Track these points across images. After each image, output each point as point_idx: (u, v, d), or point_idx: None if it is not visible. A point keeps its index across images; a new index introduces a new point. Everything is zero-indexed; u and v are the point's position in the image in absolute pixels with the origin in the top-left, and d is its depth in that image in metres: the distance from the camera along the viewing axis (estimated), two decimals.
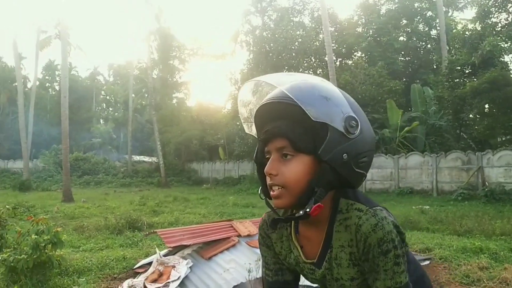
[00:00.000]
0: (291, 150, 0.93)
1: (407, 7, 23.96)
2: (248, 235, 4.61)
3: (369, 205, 0.94)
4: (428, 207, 11.68)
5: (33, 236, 4.25)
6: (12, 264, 4.18)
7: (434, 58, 22.42)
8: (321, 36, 24.12)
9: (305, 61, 21.06)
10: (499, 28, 12.14)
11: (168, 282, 4.10)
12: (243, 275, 3.91)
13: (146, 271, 5.01)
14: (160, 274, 4.44)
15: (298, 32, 22.73)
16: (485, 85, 12.76)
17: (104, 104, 52.93)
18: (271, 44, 19.55)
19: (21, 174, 25.88)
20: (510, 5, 11.51)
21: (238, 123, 22.52)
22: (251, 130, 1.08)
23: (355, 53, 24.39)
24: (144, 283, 4.11)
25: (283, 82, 0.95)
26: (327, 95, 0.92)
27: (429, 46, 23.55)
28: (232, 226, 4.86)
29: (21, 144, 23.95)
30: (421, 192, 15.70)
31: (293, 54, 20.94)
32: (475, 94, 13.05)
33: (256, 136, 1.05)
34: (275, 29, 20.99)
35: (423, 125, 17.62)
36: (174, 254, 4.87)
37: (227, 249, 4.39)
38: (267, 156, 0.98)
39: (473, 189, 13.97)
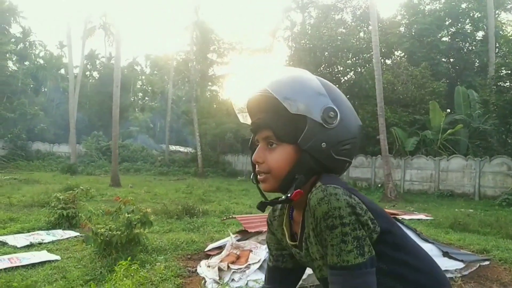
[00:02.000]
0: (275, 140, 1.00)
1: (453, 7, 23.49)
2: None
3: (325, 182, 0.95)
4: (471, 210, 11.66)
5: (126, 215, 4.68)
6: (107, 238, 4.63)
7: (480, 60, 21.94)
8: (361, 34, 24.07)
9: (347, 59, 21.03)
10: None
11: (250, 264, 4.44)
12: None
13: (218, 253, 5.40)
14: (238, 257, 4.79)
15: (339, 30, 22.71)
16: None
17: (141, 94, 54.29)
18: (315, 41, 19.65)
19: (66, 158, 27.08)
20: None
21: None
22: (246, 120, 1.13)
23: (395, 52, 24.16)
24: (227, 264, 4.46)
25: (270, 77, 1.03)
26: (305, 88, 0.99)
27: (474, 48, 23.03)
28: None
29: (70, 129, 24.99)
30: (462, 195, 15.56)
31: (335, 51, 20.94)
32: None
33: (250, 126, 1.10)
34: (319, 26, 21.06)
35: (466, 128, 17.37)
36: (246, 240, 5.23)
37: None
38: (257, 144, 1.05)
39: None
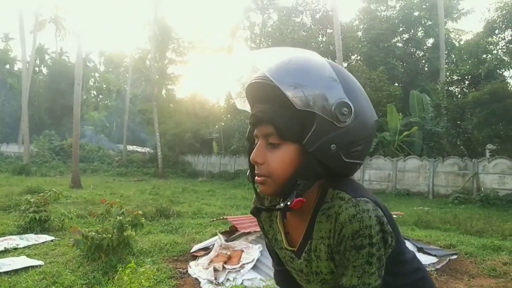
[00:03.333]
0: (277, 138, 0.87)
1: (406, 14, 24.70)
2: None
3: (354, 195, 0.87)
4: (428, 208, 12.37)
5: (118, 217, 4.63)
6: (98, 242, 4.56)
7: (431, 65, 23.25)
8: (320, 38, 24.76)
9: None
10: (504, 44, 12.96)
11: (244, 264, 4.55)
12: None
13: (205, 254, 5.46)
14: (229, 257, 4.88)
15: (301, 33, 23.22)
16: (486, 96, 13.54)
17: (94, 92, 52.50)
18: (277, 43, 19.98)
19: (16, 158, 25.71)
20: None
21: (237, 118, 22.96)
22: (244, 105, 0.99)
23: (351, 56, 25.06)
24: (222, 264, 4.54)
25: (269, 60, 0.88)
26: (315, 77, 0.85)
27: (426, 54, 24.38)
28: None
29: (22, 128, 23.77)
30: (418, 194, 16.45)
31: None
32: (476, 104, 13.82)
33: (250, 112, 0.97)
34: (282, 28, 21.44)
35: (420, 131, 18.36)
36: (235, 240, 5.32)
37: None
38: (256, 141, 0.93)
39: (468, 194, 14.77)
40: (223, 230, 5.74)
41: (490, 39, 13.38)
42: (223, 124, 29.26)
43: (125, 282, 3.69)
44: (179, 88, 35.56)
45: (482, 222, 8.54)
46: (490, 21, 12.99)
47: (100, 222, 4.93)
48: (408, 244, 5.68)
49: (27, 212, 6.70)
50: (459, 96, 15.44)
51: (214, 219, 6.75)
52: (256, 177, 0.91)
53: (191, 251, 5.73)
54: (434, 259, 5.46)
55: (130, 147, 34.00)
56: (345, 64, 24.27)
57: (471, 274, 5.44)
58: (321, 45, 21.29)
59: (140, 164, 28.93)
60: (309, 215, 0.94)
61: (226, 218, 5.40)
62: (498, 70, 15.03)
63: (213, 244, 5.67)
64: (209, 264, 4.98)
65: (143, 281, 3.62)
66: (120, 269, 3.72)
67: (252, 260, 4.57)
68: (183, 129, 29.85)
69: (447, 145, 17.55)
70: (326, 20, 26.41)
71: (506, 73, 14.64)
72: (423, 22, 24.52)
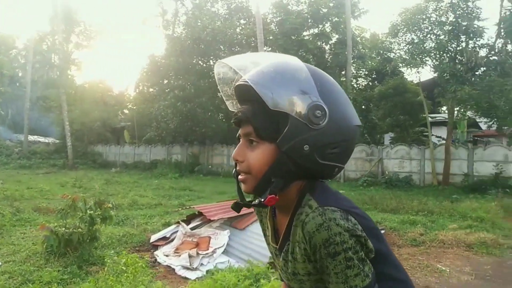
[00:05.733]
0: (255, 137, 0.91)
1: (315, 10, 26.20)
2: None
3: (323, 203, 0.88)
4: (343, 191, 13.69)
5: (88, 212, 4.62)
6: (67, 237, 4.52)
7: (338, 60, 25.10)
8: (239, 30, 25.19)
9: (222, 52, 21.78)
10: (405, 45, 14.75)
11: (216, 249, 4.87)
12: None
13: (167, 243, 5.66)
14: (197, 244, 5.16)
15: (217, 23, 23.41)
16: (390, 90, 15.29)
17: None
18: (193, 32, 19.91)
19: None
20: (415, 27, 14.12)
21: (154, 107, 22.48)
22: (236, 107, 1.02)
23: (264, 48, 26.00)
24: (196, 250, 4.81)
25: (247, 65, 0.93)
26: (289, 79, 0.88)
27: (334, 49, 26.23)
28: None
29: None
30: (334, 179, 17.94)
31: (212, 43, 21.49)
32: (382, 97, 15.52)
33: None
34: (200, 16, 21.37)
35: None
36: (199, 228, 5.60)
37: (255, 221, 5.30)
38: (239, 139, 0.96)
39: (374, 177, 16.59)
40: (182, 219, 5.95)
41: (394, 39, 15.09)
42: (135, 111, 28.30)
43: (108, 274, 3.80)
44: (86, 74, 33.48)
45: (395, 201, 9.83)
46: (394, 24, 14.61)
47: (62, 217, 4.82)
48: None
49: None
50: (367, 89, 17.10)
51: (179, 208, 6.88)
52: (239, 176, 0.95)
53: (151, 241, 5.86)
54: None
55: (31, 138, 31.18)
56: None
57: (398, 245, 6.42)
58: (239, 36, 21.74)
59: (45, 156, 26.81)
60: (289, 215, 0.96)
61: (193, 207, 5.63)
62: (399, 68, 17.00)
63: (172, 233, 5.89)
64: (175, 252, 5.21)
65: (126, 273, 3.75)
66: (108, 260, 3.81)
67: (223, 245, 4.92)
68: (91, 117, 28.36)
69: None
70: (241, 11, 26.92)
71: (406, 71, 16.60)
72: (330, 19, 26.26)
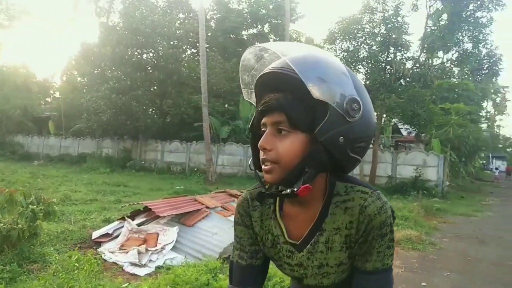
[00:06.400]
0: (287, 126, 0.89)
1: (255, 10, 26.55)
2: (215, 207, 5.65)
3: (372, 189, 0.96)
4: None
5: (30, 207, 4.38)
6: (5, 233, 4.25)
7: None
8: (178, 24, 24.71)
9: (160, 45, 21.22)
10: (340, 51, 15.57)
11: (165, 245, 4.86)
12: (228, 238, 5.00)
13: (111, 240, 5.53)
14: (144, 240, 5.11)
15: (157, 16, 22.81)
16: None
17: None
18: (130, 23, 19.19)
19: None
20: (351, 36, 14.98)
21: (85, 98, 21.35)
22: (251, 97, 1.03)
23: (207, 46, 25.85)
24: (146, 246, 4.75)
25: (288, 52, 0.92)
26: (332, 73, 0.89)
27: None
28: (196, 200, 5.79)
29: None
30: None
31: (150, 36, 20.90)
32: None
33: (254, 104, 1.02)
34: (140, 6, 20.62)
35: None
36: (146, 224, 5.53)
37: (203, 218, 5.35)
38: (262, 129, 0.94)
39: None
40: (127, 215, 5.82)
41: (331, 46, 15.85)
42: (62, 101, 26.64)
43: (56, 271, 3.67)
44: (6, 57, 30.86)
45: None
46: (332, 31, 15.35)
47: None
48: None
49: None
50: None
51: (126, 204, 6.65)
52: (263, 166, 0.92)
53: (93, 237, 5.67)
54: None
55: None
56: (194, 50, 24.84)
57: None
58: (179, 31, 21.37)
59: None
60: (317, 207, 0.97)
61: (141, 203, 5.53)
62: None
63: (115, 229, 5.75)
64: (121, 249, 5.11)
65: (80, 269, 3.67)
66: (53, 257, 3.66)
67: (172, 241, 4.91)
68: (11, 104, 26.28)
69: None
70: (180, 4, 26.45)
71: None
72: (269, 20, 26.80)
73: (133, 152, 22.08)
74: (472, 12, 14.62)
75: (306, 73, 0.84)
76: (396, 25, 15.09)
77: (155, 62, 20.89)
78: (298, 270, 1.02)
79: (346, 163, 0.93)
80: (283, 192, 0.91)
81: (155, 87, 21.82)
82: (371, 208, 0.92)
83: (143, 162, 20.99)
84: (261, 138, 0.91)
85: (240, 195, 5.63)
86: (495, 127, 49.37)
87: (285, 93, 0.89)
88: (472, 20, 14.63)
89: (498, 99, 47.55)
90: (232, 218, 5.74)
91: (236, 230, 1.12)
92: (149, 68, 21.12)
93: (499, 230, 8.86)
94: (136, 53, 20.76)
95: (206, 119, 16.17)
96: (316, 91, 0.84)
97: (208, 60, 21.43)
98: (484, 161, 41.36)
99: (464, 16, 14.78)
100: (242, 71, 1.04)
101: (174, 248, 4.92)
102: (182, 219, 5.32)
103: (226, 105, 22.21)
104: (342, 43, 15.45)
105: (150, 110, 22.26)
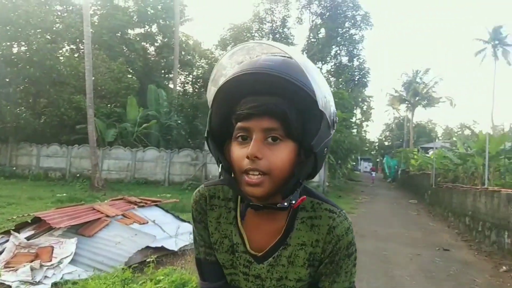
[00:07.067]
0: (281, 134, 0.82)
1: (143, 9, 25.73)
2: (116, 216, 5.39)
3: (338, 207, 0.95)
4: (169, 194, 13.91)
5: None
6: None
7: (165, 63, 25.19)
8: (52, 17, 22.62)
9: (37, 40, 19.22)
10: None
11: (62, 259, 4.48)
12: (132, 247, 4.83)
13: None
14: (36, 255, 4.65)
15: (31, 7, 20.64)
16: None
17: None
18: (10, 13, 17.02)
19: None
20: (240, 43, 15.45)
21: None
22: (210, 94, 0.91)
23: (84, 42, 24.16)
24: (40, 262, 4.32)
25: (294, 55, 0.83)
26: (325, 81, 0.87)
27: (161, 51, 26.18)
28: (95, 209, 5.44)
29: None
30: (155, 182, 17.90)
31: (25, 28, 18.84)
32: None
33: (209, 103, 0.91)
34: None
35: (157, 124, 19.91)
36: (37, 237, 5.02)
37: (104, 227, 5.07)
38: (239, 134, 0.84)
39: (198, 181, 17.31)
40: (11, 228, 5.22)
41: (222, 52, 16.19)
42: None
43: None
44: None
45: None
46: (223, 37, 15.70)
47: None
48: (190, 226, 6.76)
49: None
50: (195, 96, 17.77)
51: (16, 216, 5.84)
52: (246, 178, 0.82)
53: None
54: None
55: None
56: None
57: None
58: (57, 25, 19.61)
59: None
60: (280, 219, 0.94)
61: (33, 215, 4.96)
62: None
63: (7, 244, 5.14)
64: (6, 266, 4.59)
65: None
66: None
67: (71, 254, 4.56)
68: None
69: (180, 139, 19.76)
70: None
71: None
72: (158, 21, 26.20)
73: (1, 156, 19.62)
74: (347, 29, 16.28)
75: (307, 81, 0.80)
76: (283, 35, 16.07)
77: (29, 56, 18.84)
78: (254, 281, 0.97)
79: (316, 173, 0.90)
80: (278, 205, 0.85)
81: (29, 85, 19.66)
82: (339, 229, 0.91)
83: (14, 168, 18.81)
84: (252, 146, 0.81)
85: (141, 202, 5.41)
86: (363, 132, 55.42)
87: (282, 98, 0.81)
88: (348, 36, 16.29)
89: (365, 107, 53.52)
90: (134, 226, 5.57)
91: (196, 228, 1.05)
92: (20, 64, 18.93)
93: (373, 224, 10.05)
94: (3, 45, 18.46)
95: (91, 122, 15.14)
96: (320, 101, 0.80)
97: (93, 59, 20.17)
98: (354, 163, 46.02)
99: (341, 32, 16.38)
100: (223, 65, 0.92)
101: (73, 261, 4.58)
102: (80, 230, 4.96)
103: (109, 105, 21.05)
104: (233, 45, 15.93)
105: (22, 109, 19.96)
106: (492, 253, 7.13)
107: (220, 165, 0.89)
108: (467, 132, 36.61)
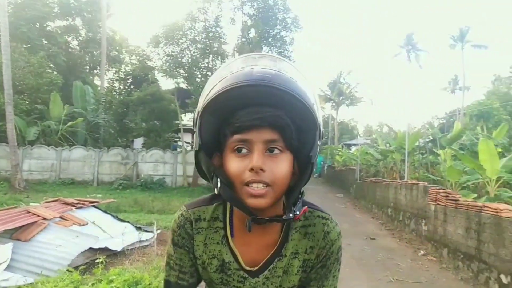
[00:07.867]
0: (282, 146, 0.83)
1: (65, 1, 24.31)
2: (53, 218, 5.21)
3: (328, 213, 0.98)
4: (100, 195, 13.46)
5: None
6: None
7: (91, 59, 24.06)
8: None
9: None
10: (164, 55, 15.84)
11: None
12: (75, 249, 4.73)
13: None
14: None
15: None
16: (148, 97, 16.00)
17: None
18: None
19: None
20: (174, 42, 15.40)
21: None
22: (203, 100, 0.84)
23: None
24: None
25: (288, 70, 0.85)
26: (315, 95, 0.87)
27: (87, 46, 24.94)
28: (30, 212, 5.21)
29: None
30: (83, 182, 17.13)
31: None
32: (140, 102, 16.03)
33: (198, 110, 0.86)
34: None
35: (84, 121, 19.04)
36: None
37: (41, 230, 4.89)
38: (237, 146, 0.83)
39: (130, 180, 16.88)
40: None
41: (154, 49, 15.92)
42: None
43: None
44: None
45: (160, 203, 10.53)
46: (156, 35, 15.44)
47: None
48: (127, 225, 6.72)
49: None
50: (124, 93, 17.26)
51: None
52: (250, 189, 0.82)
53: None
54: (151, 235, 6.70)
55: None
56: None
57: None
58: None
59: None
60: (273, 231, 0.94)
61: None
62: (154, 76, 18.04)
63: None
64: None
65: None
66: None
67: (6, 260, 4.37)
68: None
69: (109, 137, 19.07)
70: None
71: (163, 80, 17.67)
72: (82, 14, 24.94)
73: None
74: (278, 31, 16.82)
75: (307, 97, 0.81)
76: (216, 34, 16.18)
77: None
78: None
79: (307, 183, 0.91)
80: (284, 217, 0.86)
81: None
82: (332, 234, 0.95)
83: None
84: (256, 158, 0.81)
85: (78, 203, 5.31)
86: None
87: (281, 110, 0.82)
88: (279, 37, 16.83)
89: None
90: (74, 227, 5.46)
91: (175, 252, 0.99)
92: None
93: None
94: None
95: (10, 119, 14.10)
96: (316, 116, 0.84)
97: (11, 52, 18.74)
98: None
99: (272, 33, 16.87)
100: (222, 74, 0.85)
101: (8, 267, 4.39)
102: (15, 234, 4.75)
103: (30, 102, 19.68)
104: (166, 47, 15.71)
105: None
106: (412, 239, 7.93)
107: (218, 180, 0.85)
108: (385, 129, 39.52)
